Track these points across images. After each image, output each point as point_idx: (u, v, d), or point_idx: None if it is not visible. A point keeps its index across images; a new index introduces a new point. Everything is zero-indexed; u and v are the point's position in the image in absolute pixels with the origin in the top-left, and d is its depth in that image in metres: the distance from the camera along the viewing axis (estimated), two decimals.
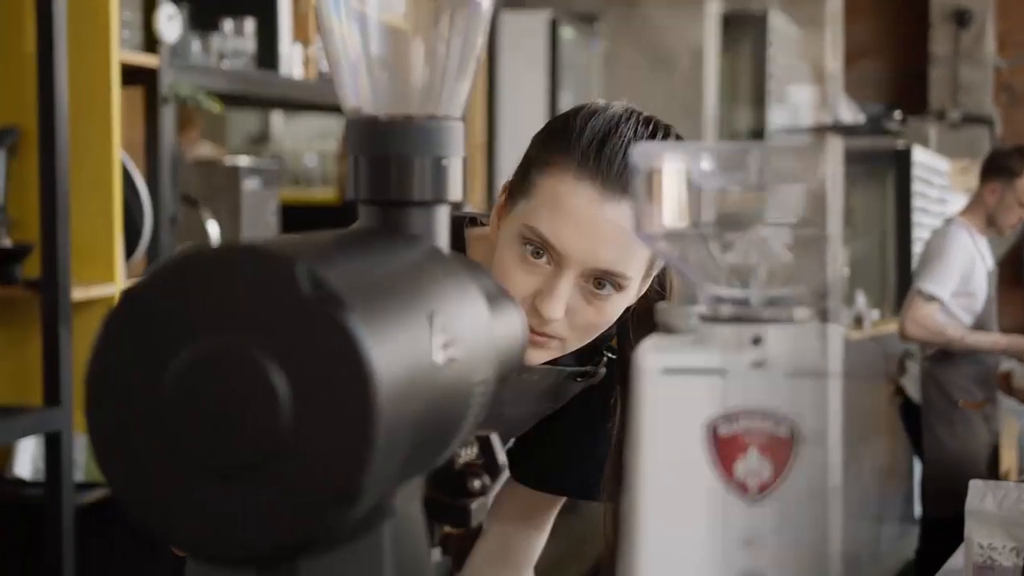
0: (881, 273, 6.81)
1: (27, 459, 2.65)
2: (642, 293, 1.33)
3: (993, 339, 4.30)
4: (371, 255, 0.73)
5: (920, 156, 6.81)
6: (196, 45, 3.02)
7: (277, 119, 5.88)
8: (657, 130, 1.28)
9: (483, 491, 0.86)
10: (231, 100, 3.32)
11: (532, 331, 1.25)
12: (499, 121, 4.67)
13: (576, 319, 1.27)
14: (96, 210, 2.50)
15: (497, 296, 0.90)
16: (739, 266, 0.74)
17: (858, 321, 5.62)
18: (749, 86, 7.07)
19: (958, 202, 8.11)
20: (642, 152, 0.73)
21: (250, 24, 3.15)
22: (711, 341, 0.72)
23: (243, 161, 3.25)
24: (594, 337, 1.31)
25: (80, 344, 2.39)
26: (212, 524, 0.64)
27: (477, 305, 0.79)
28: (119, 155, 2.53)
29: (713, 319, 0.73)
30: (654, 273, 1.33)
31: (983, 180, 4.28)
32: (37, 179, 2.41)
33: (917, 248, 6.98)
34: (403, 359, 0.66)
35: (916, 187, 6.69)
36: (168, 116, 2.74)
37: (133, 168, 2.62)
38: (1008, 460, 4.69)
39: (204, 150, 4.08)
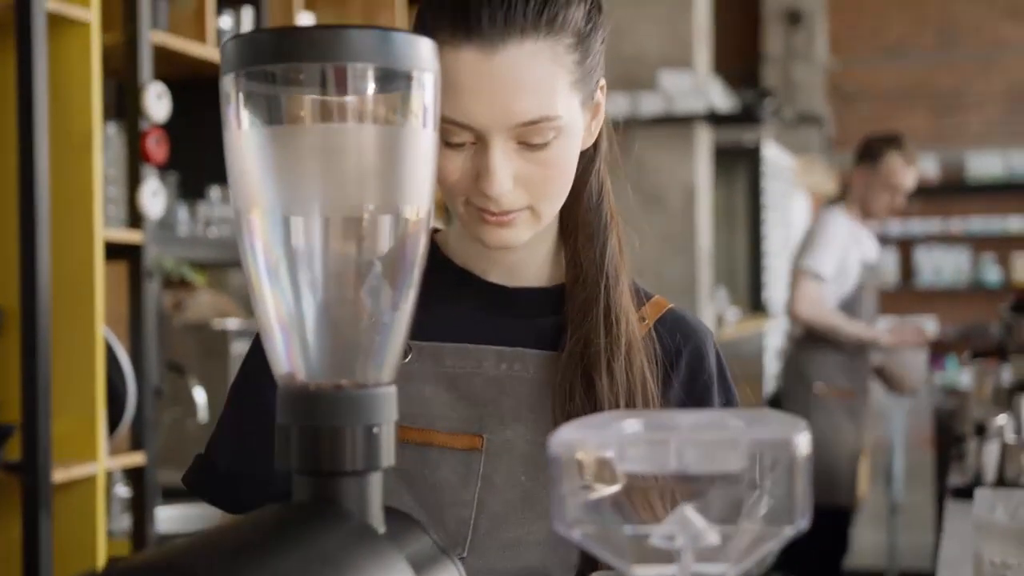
0: (733, 269, 6.78)
1: None
2: (598, 123, 1.26)
3: (876, 333, 4.20)
4: (288, 548, 0.72)
5: (769, 152, 6.85)
6: (183, 213, 3.05)
7: None
8: None
9: None
10: (219, 265, 3.34)
11: (493, 214, 1.17)
12: None
13: (529, 183, 1.17)
14: (79, 389, 2.50)
15: (434, 558, 0.88)
16: (664, 548, 0.73)
17: (719, 320, 5.58)
18: (744, 215, 7.14)
19: (801, 198, 8.20)
20: (560, 440, 0.72)
21: None
22: None
23: (232, 324, 3.26)
24: (564, 194, 1.21)
25: (61, 529, 2.38)
26: None
27: None
28: (102, 332, 2.53)
29: None
30: (595, 88, 1.23)
31: (854, 169, 4.34)
32: (19, 359, 2.41)
33: (766, 246, 7.00)
34: None
35: (764, 184, 6.73)
36: (152, 289, 2.75)
37: (116, 343, 2.62)
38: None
39: (204, 298, 4.09)
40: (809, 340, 4.19)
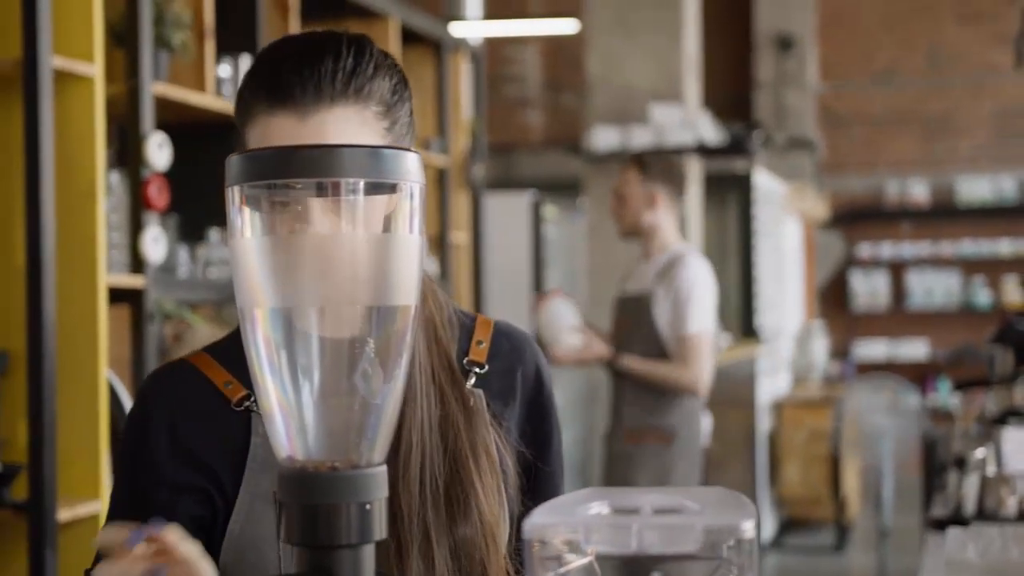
0: (725, 296, 6.84)
1: None
2: None
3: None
4: None
5: (760, 180, 6.96)
6: (184, 255, 3.13)
7: None
8: (341, 43, 1.23)
9: None
10: (218, 304, 3.43)
11: None
12: (485, 300, 4.76)
13: None
14: (83, 429, 2.58)
15: None
16: None
17: None
18: (736, 242, 7.22)
19: (792, 224, 8.30)
20: (532, 524, 0.81)
21: None
22: None
23: None
24: None
25: (66, 566, 2.45)
26: None
27: None
28: (105, 374, 2.61)
29: None
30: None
31: None
32: (25, 401, 2.49)
33: (757, 272, 7.07)
34: None
35: (755, 211, 6.82)
36: (153, 332, 2.84)
37: (119, 384, 2.70)
38: None
39: (203, 331, 4.14)
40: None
